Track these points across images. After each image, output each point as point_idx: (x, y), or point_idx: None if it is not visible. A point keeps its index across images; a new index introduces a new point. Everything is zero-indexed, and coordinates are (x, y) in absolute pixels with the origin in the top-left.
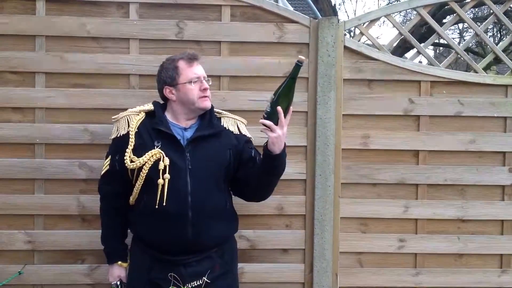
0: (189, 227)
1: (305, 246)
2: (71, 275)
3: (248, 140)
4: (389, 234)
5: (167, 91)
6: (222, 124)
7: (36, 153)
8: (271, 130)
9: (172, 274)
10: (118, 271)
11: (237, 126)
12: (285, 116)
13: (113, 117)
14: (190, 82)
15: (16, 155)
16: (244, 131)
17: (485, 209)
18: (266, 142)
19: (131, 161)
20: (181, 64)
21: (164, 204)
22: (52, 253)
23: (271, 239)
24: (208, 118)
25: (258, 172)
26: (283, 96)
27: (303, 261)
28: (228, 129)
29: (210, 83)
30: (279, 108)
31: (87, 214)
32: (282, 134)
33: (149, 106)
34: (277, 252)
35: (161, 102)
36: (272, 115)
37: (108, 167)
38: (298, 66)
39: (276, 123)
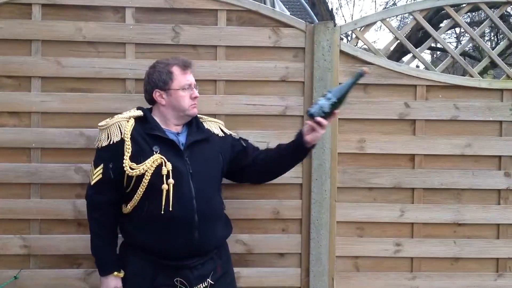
0: (195, 231)
1: (301, 250)
2: (67, 280)
3: (230, 136)
4: (385, 238)
5: (156, 94)
6: (208, 127)
7: (32, 158)
8: (322, 127)
9: (178, 279)
10: (115, 282)
11: (220, 128)
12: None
13: (99, 124)
14: (182, 89)
15: (12, 159)
16: (226, 131)
17: (481, 213)
18: (301, 137)
19: (131, 168)
20: (176, 69)
21: (170, 209)
22: (48, 258)
23: (267, 243)
24: (195, 123)
25: (280, 159)
26: (343, 100)
27: (299, 265)
28: (214, 133)
29: (197, 91)
30: (337, 111)
31: (83, 219)
32: None
33: (138, 112)
34: (273, 256)
35: (146, 106)
36: (328, 115)
37: (100, 176)
38: (360, 75)
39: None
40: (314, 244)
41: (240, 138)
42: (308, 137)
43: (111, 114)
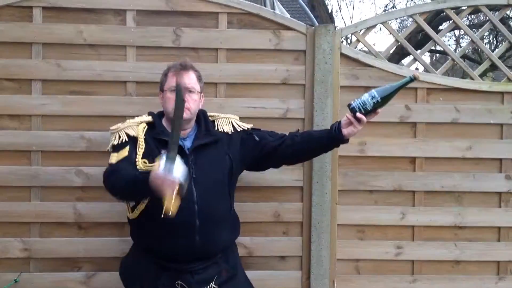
0: (196, 235)
1: (302, 253)
2: (67, 283)
3: (242, 131)
4: (386, 241)
5: (159, 96)
6: (216, 127)
7: (33, 161)
8: (360, 123)
9: (179, 282)
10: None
11: (232, 124)
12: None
13: (111, 128)
14: (169, 90)
15: (12, 162)
16: (239, 127)
17: (482, 216)
18: (337, 129)
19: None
20: (170, 72)
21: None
22: (48, 261)
23: (268, 246)
24: (204, 125)
25: (312, 147)
26: (387, 100)
27: (300, 268)
28: (223, 132)
29: (195, 97)
30: (379, 110)
31: (84, 222)
32: None
33: (148, 118)
34: (274, 259)
35: (159, 109)
36: (370, 113)
37: (126, 153)
38: (411, 80)
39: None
40: (315, 247)
41: (252, 131)
42: (345, 131)
43: (112, 117)
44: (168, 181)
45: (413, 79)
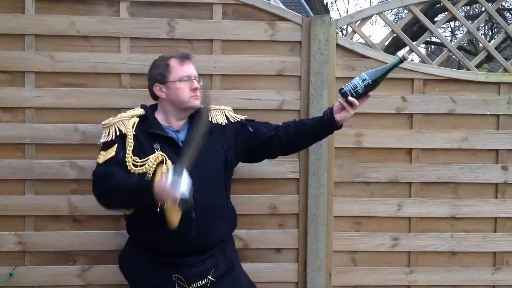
0: (193, 228)
1: (298, 245)
2: (62, 276)
3: (236, 123)
4: (382, 233)
5: (156, 88)
6: (210, 118)
7: (27, 153)
8: (353, 107)
9: (176, 275)
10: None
11: (225, 115)
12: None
13: (103, 122)
14: (180, 80)
15: (6, 155)
16: (233, 118)
17: (478, 207)
18: (330, 115)
19: (134, 165)
20: (173, 62)
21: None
22: (43, 254)
23: (264, 238)
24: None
25: (306, 135)
26: (378, 82)
27: (296, 260)
28: (217, 124)
29: (201, 84)
30: (370, 94)
31: (79, 215)
32: None
33: (140, 111)
34: (270, 251)
35: (151, 102)
36: (361, 96)
37: (113, 153)
38: (400, 61)
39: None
40: (311, 239)
41: (246, 122)
42: (338, 116)
43: (106, 110)
44: (173, 195)
45: (402, 60)
